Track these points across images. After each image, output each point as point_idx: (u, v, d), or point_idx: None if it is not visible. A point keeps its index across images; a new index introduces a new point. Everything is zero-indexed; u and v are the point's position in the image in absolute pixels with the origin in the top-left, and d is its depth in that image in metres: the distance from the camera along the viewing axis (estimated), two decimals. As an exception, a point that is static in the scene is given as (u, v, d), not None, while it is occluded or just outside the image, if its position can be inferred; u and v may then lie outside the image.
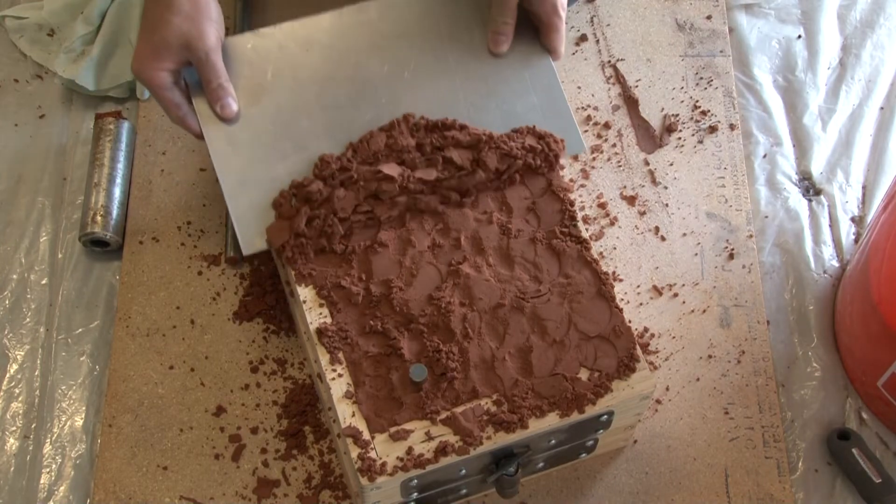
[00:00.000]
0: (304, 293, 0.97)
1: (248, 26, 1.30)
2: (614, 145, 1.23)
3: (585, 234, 1.00)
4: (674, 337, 1.12)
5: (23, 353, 1.12)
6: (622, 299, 1.13)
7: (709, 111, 1.25)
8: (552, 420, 0.92)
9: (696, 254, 1.17)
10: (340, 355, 0.94)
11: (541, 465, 1.01)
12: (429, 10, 1.06)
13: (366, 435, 0.90)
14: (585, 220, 1.17)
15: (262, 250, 0.98)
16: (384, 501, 0.93)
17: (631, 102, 1.26)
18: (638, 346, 0.95)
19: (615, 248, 1.17)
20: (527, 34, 1.05)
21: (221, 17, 1.01)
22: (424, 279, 0.97)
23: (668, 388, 1.09)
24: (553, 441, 0.96)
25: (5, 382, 1.10)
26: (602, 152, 1.22)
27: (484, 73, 1.05)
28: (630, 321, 0.97)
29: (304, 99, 1.02)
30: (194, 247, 1.17)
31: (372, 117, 1.01)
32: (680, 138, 1.24)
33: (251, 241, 0.98)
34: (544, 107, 1.04)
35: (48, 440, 1.07)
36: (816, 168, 1.23)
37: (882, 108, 1.27)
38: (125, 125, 1.21)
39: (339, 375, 0.93)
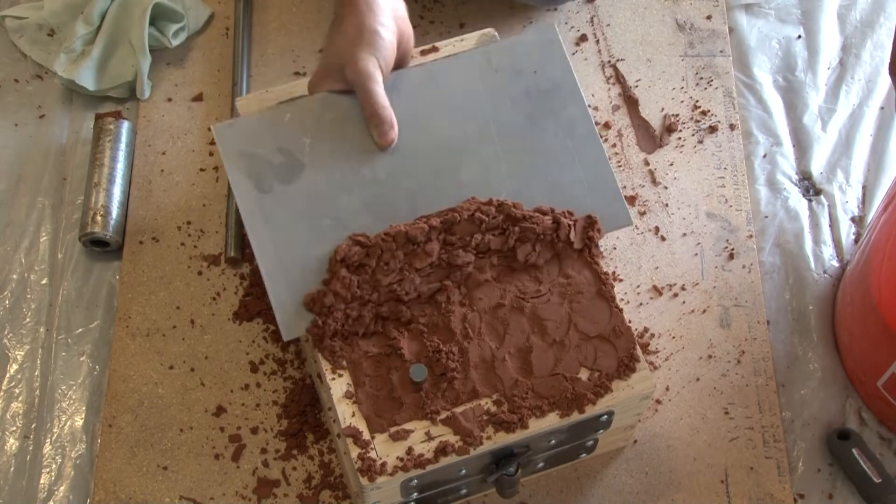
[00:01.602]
0: None
1: (249, 26, 1.30)
2: (614, 145, 1.23)
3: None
4: (674, 337, 1.12)
5: (23, 353, 1.12)
6: (622, 299, 1.13)
7: (709, 111, 1.25)
8: (552, 420, 0.92)
9: (696, 254, 1.17)
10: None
11: (541, 465, 1.01)
12: (469, 80, 1.02)
13: (366, 435, 0.90)
14: (585, 220, 1.17)
15: (301, 335, 0.95)
16: (384, 501, 0.93)
17: (631, 102, 1.26)
18: (638, 346, 0.95)
19: (615, 248, 1.17)
20: (570, 102, 1.02)
21: (393, 48, 0.98)
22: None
23: (668, 388, 1.09)
24: (553, 441, 0.96)
25: (5, 382, 1.10)
26: (602, 152, 1.22)
27: (527, 145, 1.00)
28: (630, 321, 0.97)
29: (343, 173, 0.98)
30: (194, 247, 1.17)
31: (413, 192, 0.98)
32: (680, 138, 1.24)
33: (290, 325, 0.94)
34: (590, 180, 1.00)
35: (48, 440, 1.07)
36: (816, 168, 1.23)
37: (882, 108, 1.27)
38: (125, 125, 1.21)
39: (339, 375, 0.93)
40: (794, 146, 1.25)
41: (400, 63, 1.02)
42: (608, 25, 1.31)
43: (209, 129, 1.24)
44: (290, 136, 0.98)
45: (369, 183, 0.98)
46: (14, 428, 1.08)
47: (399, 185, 0.98)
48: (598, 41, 1.30)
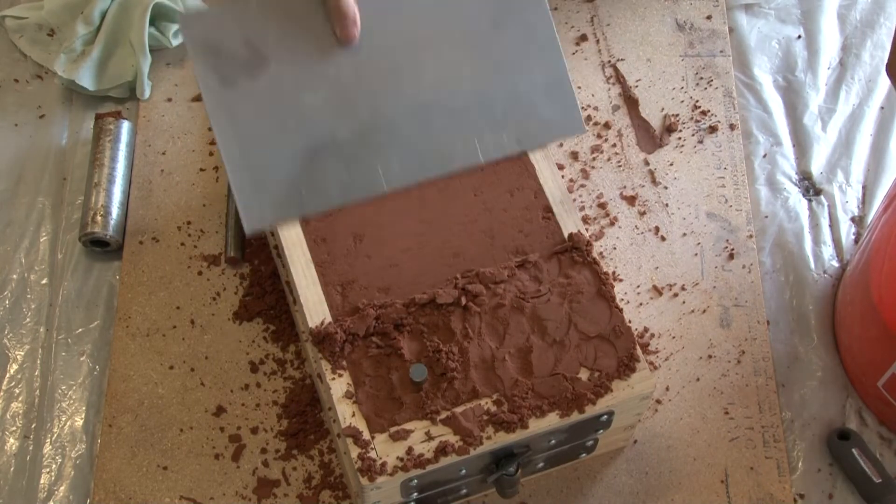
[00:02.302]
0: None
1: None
2: (614, 145, 1.23)
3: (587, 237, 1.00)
4: (674, 337, 1.12)
5: (23, 353, 1.12)
6: (622, 299, 1.13)
7: (709, 111, 1.25)
8: (552, 420, 0.92)
9: (696, 254, 1.17)
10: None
11: (541, 465, 1.01)
12: None
13: (366, 435, 0.90)
14: (585, 220, 1.17)
15: (263, 229, 0.93)
16: (384, 501, 0.93)
17: (631, 102, 1.26)
18: (638, 346, 0.95)
19: (615, 248, 1.17)
20: (534, 7, 1.00)
21: None
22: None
23: (668, 388, 1.09)
24: (553, 441, 0.96)
25: (5, 382, 1.10)
26: (602, 152, 1.22)
27: (489, 49, 0.99)
28: (630, 321, 0.97)
29: (308, 70, 0.96)
30: (194, 247, 1.17)
31: (376, 92, 0.96)
32: (680, 138, 1.24)
33: (252, 216, 0.92)
34: (547, 87, 0.99)
35: (48, 440, 1.07)
36: (816, 168, 1.23)
37: (882, 108, 1.27)
38: (125, 125, 1.21)
39: (339, 375, 0.93)
40: (794, 146, 1.25)
41: None
42: (608, 25, 1.31)
43: (209, 129, 1.24)
44: (256, 27, 0.96)
45: (332, 80, 0.96)
46: (14, 428, 1.08)
47: (362, 85, 0.96)
48: (597, 41, 1.30)
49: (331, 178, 0.95)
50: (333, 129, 0.95)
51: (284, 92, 0.96)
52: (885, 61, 1.29)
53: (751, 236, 1.18)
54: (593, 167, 1.21)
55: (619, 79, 1.28)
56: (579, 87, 1.27)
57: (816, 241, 1.18)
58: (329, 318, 0.95)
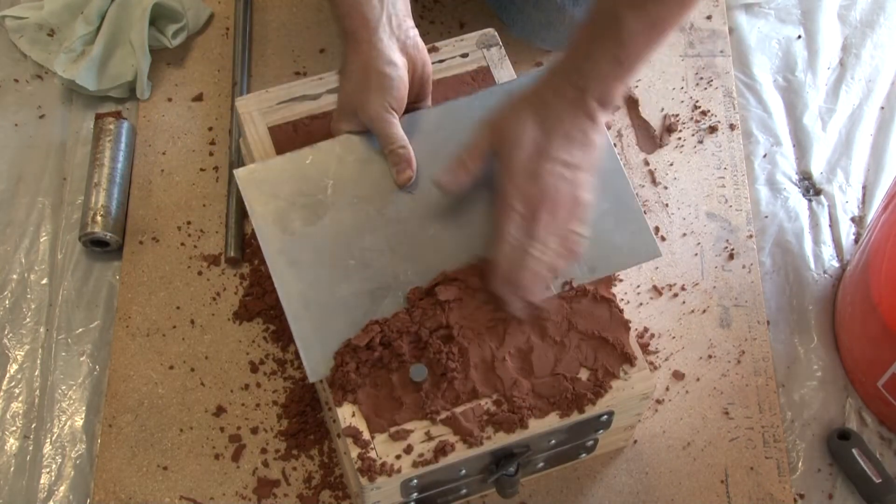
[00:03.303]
0: None
1: (249, 26, 1.30)
2: (615, 145, 1.23)
3: None
4: (674, 337, 1.12)
5: (23, 353, 1.12)
6: (622, 299, 1.13)
7: (709, 111, 1.25)
8: (552, 420, 0.92)
9: (696, 254, 1.17)
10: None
11: (541, 465, 1.01)
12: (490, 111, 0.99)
13: (366, 435, 0.90)
14: (585, 220, 1.17)
15: (326, 376, 0.93)
16: (384, 501, 0.93)
17: (631, 102, 1.26)
18: (637, 346, 0.95)
19: (615, 248, 1.17)
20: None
21: (404, 85, 0.97)
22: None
23: (668, 388, 1.09)
24: (553, 441, 0.96)
25: (5, 382, 1.10)
26: (602, 152, 1.22)
27: None
28: (630, 321, 0.97)
29: (367, 213, 0.98)
30: (194, 247, 1.17)
31: (437, 232, 0.97)
32: (680, 138, 1.24)
33: (316, 367, 0.93)
34: (616, 213, 0.99)
35: (48, 440, 1.07)
36: (816, 168, 1.23)
37: (882, 108, 1.27)
38: (125, 125, 1.21)
39: (340, 376, 0.93)
40: (794, 146, 1.25)
41: (420, 90, 1.02)
42: (608, 25, 1.31)
43: (209, 129, 1.24)
44: (312, 178, 0.98)
45: (392, 222, 0.97)
46: (14, 428, 1.08)
47: (422, 226, 0.97)
48: (598, 41, 1.30)
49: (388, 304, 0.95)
50: (396, 269, 0.96)
51: (345, 236, 0.97)
52: (886, 62, 1.29)
53: (751, 236, 1.18)
54: (593, 167, 1.21)
55: (619, 79, 1.28)
56: (579, 87, 1.27)
57: (816, 241, 1.18)
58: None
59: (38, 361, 1.11)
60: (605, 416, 0.95)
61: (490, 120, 0.93)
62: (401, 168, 0.97)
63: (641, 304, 1.13)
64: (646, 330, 1.12)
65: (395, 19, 0.98)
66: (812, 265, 1.17)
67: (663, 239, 1.17)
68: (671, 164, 1.22)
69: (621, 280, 1.14)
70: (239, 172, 0.99)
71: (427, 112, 1.02)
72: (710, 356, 1.11)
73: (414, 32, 1.00)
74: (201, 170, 1.22)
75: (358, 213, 0.97)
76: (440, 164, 0.95)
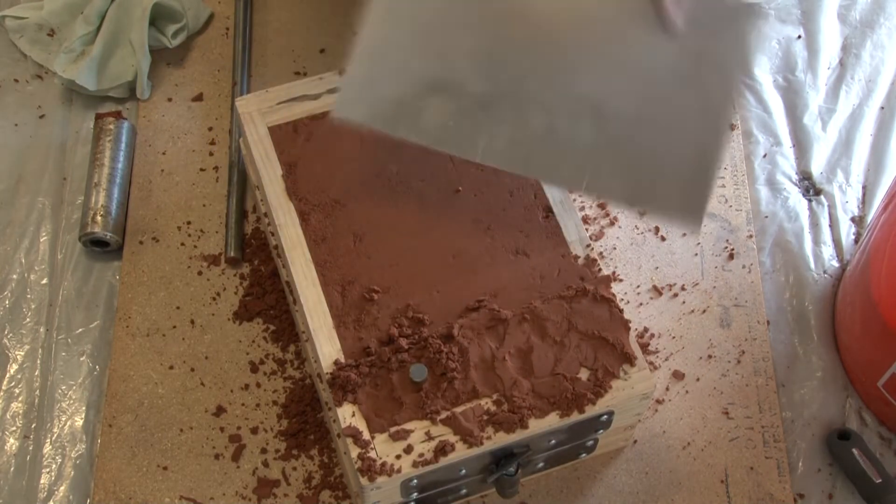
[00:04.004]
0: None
1: (249, 26, 1.30)
2: (614, 145, 1.23)
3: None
4: (674, 337, 1.12)
5: (23, 353, 1.12)
6: (622, 299, 1.13)
7: (709, 111, 1.25)
8: (552, 420, 0.92)
9: (696, 254, 1.17)
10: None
11: (541, 465, 1.01)
12: (657, 33, 0.92)
13: (366, 435, 0.90)
14: (585, 220, 1.17)
15: (348, 122, 0.88)
16: (384, 501, 0.93)
17: (631, 102, 1.26)
18: (637, 346, 0.95)
19: (615, 248, 1.17)
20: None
21: None
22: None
23: (668, 388, 1.09)
24: (553, 441, 0.96)
25: (5, 382, 1.10)
26: (602, 152, 1.22)
27: (671, 92, 0.90)
28: (630, 321, 0.97)
29: (476, 13, 0.90)
30: (194, 247, 1.17)
31: (532, 68, 0.88)
32: (680, 138, 1.24)
33: (345, 105, 0.88)
34: (695, 167, 0.91)
35: (48, 440, 1.07)
36: (816, 168, 1.23)
37: (882, 108, 1.28)
38: (125, 125, 1.21)
39: (340, 376, 0.93)
40: (794, 146, 1.25)
41: None
42: (608, 25, 1.31)
43: (209, 129, 1.24)
44: None
45: (501, 37, 0.90)
46: (14, 428, 1.08)
47: (523, 56, 0.89)
48: (598, 41, 1.30)
49: (437, 118, 0.89)
50: (470, 75, 0.89)
51: (451, 17, 0.90)
52: (886, 61, 1.29)
53: (751, 236, 1.18)
54: (593, 167, 1.21)
55: (619, 79, 1.28)
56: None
57: (816, 241, 1.18)
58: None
59: (38, 361, 1.11)
60: (605, 416, 0.95)
61: None
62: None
63: (641, 304, 1.13)
64: (646, 330, 1.12)
65: None
66: (812, 265, 1.17)
67: (663, 239, 1.17)
68: (671, 164, 1.22)
69: (621, 280, 1.15)
70: None
71: None
72: (710, 356, 1.11)
73: None
74: (201, 170, 1.22)
75: (480, 5, 0.91)
76: (575, 22, 0.89)
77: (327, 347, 0.94)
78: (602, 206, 1.18)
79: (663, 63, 0.91)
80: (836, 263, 1.17)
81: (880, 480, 1.02)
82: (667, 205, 0.93)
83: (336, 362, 0.93)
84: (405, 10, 0.90)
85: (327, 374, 0.92)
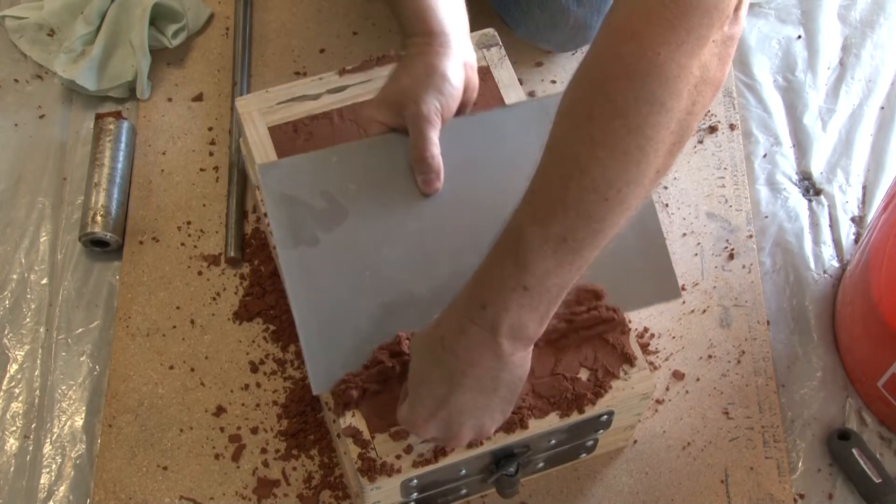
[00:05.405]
0: None
1: (249, 26, 1.30)
2: (614, 145, 1.23)
3: None
4: (674, 337, 1.12)
5: (23, 353, 1.12)
6: (622, 299, 1.13)
7: (709, 111, 1.25)
8: (552, 420, 0.92)
9: (696, 254, 1.17)
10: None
11: (541, 465, 1.01)
12: (523, 130, 0.98)
13: (366, 435, 0.90)
14: (585, 220, 1.17)
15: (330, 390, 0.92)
16: (384, 501, 0.93)
17: (631, 102, 1.26)
18: (637, 346, 0.95)
19: (615, 248, 1.16)
20: None
21: (458, 96, 0.96)
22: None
23: (668, 388, 1.09)
24: (553, 441, 0.96)
25: (5, 382, 1.10)
26: (602, 152, 1.22)
27: None
28: (630, 321, 0.97)
29: (387, 223, 0.95)
30: (194, 247, 1.17)
31: (457, 248, 0.94)
32: (680, 138, 1.24)
33: (321, 380, 0.91)
34: (643, 250, 0.96)
35: (48, 440, 1.07)
36: (816, 168, 1.23)
37: (882, 108, 1.27)
38: (125, 125, 1.21)
39: (339, 376, 0.93)
40: (794, 146, 1.25)
41: (459, 112, 0.99)
42: (608, 25, 1.31)
43: (209, 129, 1.24)
44: (335, 179, 0.96)
45: (413, 234, 0.95)
46: (14, 428, 1.08)
47: (443, 240, 0.95)
48: (598, 41, 1.30)
49: (397, 326, 0.92)
50: (411, 285, 0.93)
51: (363, 246, 0.94)
52: (886, 61, 1.29)
53: (751, 236, 1.18)
54: (593, 167, 1.21)
55: (619, 79, 1.27)
56: (579, 87, 1.26)
57: (816, 241, 1.18)
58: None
59: (38, 361, 1.11)
60: (605, 416, 0.95)
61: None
62: (429, 179, 0.95)
63: (641, 304, 1.13)
64: (646, 330, 1.12)
65: (466, 35, 0.99)
66: (812, 265, 1.17)
67: (663, 239, 1.17)
68: (671, 164, 1.22)
69: (621, 280, 1.15)
70: (260, 167, 0.96)
71: (462, 120, 0.99)
72: (710, 356, 1.11)
73: (474, 55, 1.00)
74: (201, 170, 1.22)
75: (378, 222, 0.95)
76: (467, 177, 0.94)
77: None
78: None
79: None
80: (836, 263, 1.17)
81: (880, 480, 1.02)
82: (641, 298, 0.97)
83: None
84: (320, 262, 0.93)
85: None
